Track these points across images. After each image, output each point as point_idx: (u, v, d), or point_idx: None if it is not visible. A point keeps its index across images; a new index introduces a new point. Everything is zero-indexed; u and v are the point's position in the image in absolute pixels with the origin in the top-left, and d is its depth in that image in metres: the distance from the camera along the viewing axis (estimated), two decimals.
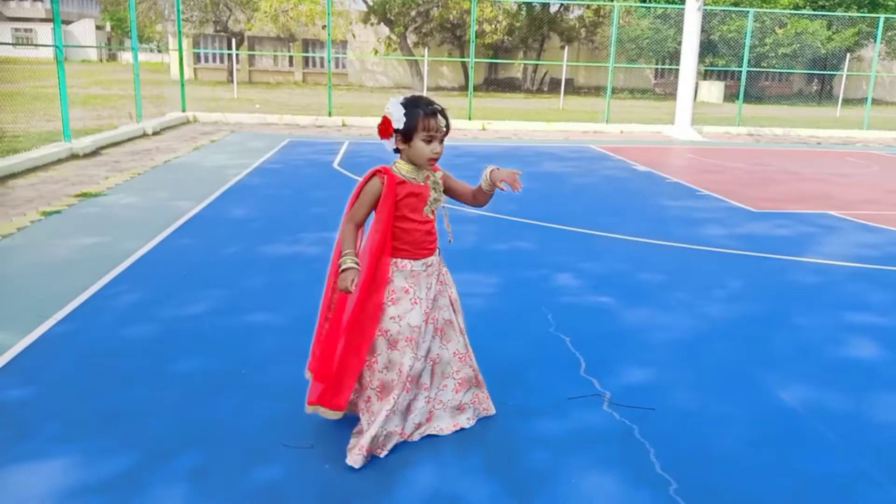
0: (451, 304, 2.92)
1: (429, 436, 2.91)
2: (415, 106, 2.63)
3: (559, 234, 6.61)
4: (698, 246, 6.31)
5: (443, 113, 2.66)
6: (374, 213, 2.75)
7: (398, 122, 2.61)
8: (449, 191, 2.88)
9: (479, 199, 2.86)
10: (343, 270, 2.60)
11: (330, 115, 17.20)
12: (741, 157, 13.19)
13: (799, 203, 8.58)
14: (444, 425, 2.95)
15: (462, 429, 2.96)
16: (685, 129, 16.82)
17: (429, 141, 2.64)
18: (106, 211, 6.93)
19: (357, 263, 2.64)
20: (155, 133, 13.65)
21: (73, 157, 10.30)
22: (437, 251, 2.88)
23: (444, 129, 2.66)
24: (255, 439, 2.89)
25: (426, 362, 2.83)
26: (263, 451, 2.81)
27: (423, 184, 2.74)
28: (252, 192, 8.11)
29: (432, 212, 2.80)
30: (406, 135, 2.64)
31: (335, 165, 10.24)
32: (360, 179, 2.75)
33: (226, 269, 5.16)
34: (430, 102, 2.67)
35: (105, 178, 8.72)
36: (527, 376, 3.02)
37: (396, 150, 2.74)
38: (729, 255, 6.07)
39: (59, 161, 9.87)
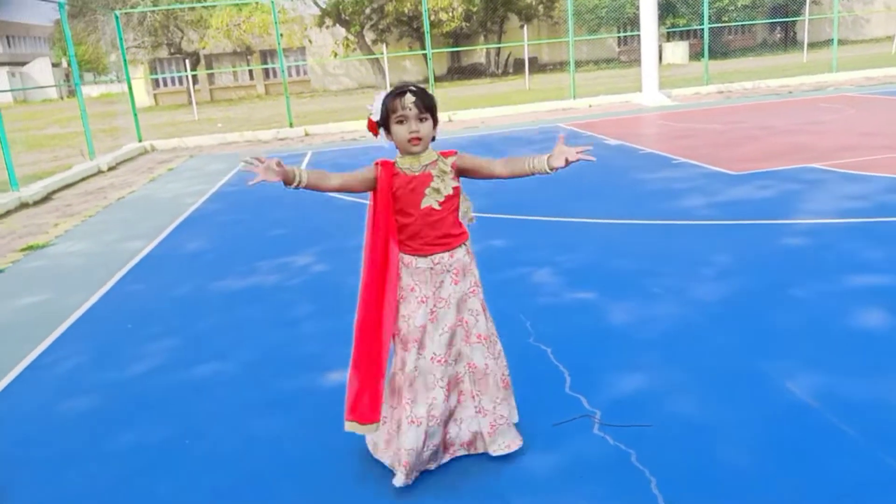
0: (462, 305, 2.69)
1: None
2: (387, 94, 2.53)
3: (532, 227, 6.23)
4: (679, 220, 5.94)
5: (415, 91, 2.47)
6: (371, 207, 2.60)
7: (376, 113, 2.53)
8: (472, 172, 2.62)
9: (517, 173, 2.63)
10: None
11: (291, 125, 16.68)
12: (714, 116, 12.84)
13: (778, 159, 8.22)
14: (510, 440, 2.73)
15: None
16: (654, 95, 16.45)
17: (401, 122, 2.47)
18: (52, 263, 6.49)
19: (297, 175, 2.60)
20: (110, 168, 13.15)
21: (23, 205, 9.82)
22: (460, 247, 2.62)
23: (414, 107, 2.45)
24: None
25: (447, 365, 2.60)
26: None
27: (418, 174, 2.52)
28: (207, 220, 7.68)
29: (439, 203, 2.53)
30: (385, 124, 2.52)
31: None
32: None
33: (174, 315, 4.75)
34: (403, 85, 2.52)
35: (55, 225, 8.27)
36: None
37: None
38: (713, 226, 5.71)
39: (8, 212, 9.38)
